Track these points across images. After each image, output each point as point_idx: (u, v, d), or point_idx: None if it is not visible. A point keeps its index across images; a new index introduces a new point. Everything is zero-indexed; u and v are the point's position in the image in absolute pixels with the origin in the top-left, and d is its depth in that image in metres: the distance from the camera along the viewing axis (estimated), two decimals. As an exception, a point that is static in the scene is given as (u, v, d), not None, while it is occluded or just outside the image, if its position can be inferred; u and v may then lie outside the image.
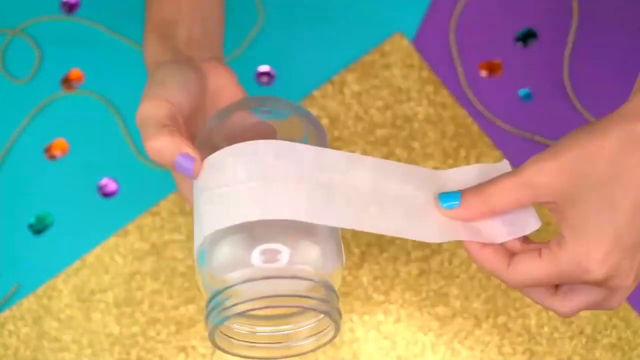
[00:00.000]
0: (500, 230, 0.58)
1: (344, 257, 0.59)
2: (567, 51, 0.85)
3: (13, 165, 0.84)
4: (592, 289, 0.58)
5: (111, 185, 0.84)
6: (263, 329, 0.60)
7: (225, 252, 0.56)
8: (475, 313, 0.80)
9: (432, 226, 0.58)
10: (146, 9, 0.68)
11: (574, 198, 0.54)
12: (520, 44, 0.86)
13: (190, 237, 0.82)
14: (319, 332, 0.59)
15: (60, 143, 0.85)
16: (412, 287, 0.81)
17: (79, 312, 0.81)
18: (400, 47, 0.86)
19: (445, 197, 0.58)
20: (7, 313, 0.81)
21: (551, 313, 0.80)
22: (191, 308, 0.80)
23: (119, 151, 0.84)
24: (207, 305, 0.57)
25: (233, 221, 0.56)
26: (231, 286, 0.56)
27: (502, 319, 0.80)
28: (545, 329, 0.80)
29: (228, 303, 0.55)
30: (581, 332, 0.79)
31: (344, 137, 0.83)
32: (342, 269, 0.59)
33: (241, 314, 0.59)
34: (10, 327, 0.81)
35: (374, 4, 0.87)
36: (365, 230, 0.57)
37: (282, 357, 0.60)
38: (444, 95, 0.84)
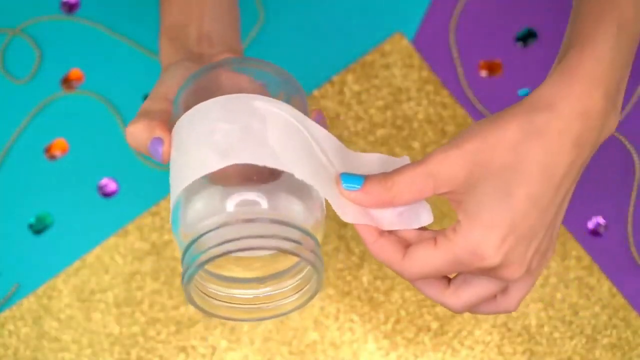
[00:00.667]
0: (392, 220, 0.57)
1: (324, 210, 0.57)
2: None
3: (13, 165, 0.84)
4: (486, 281, 0.57)
5: (111, 185, 0.84)
6: (242, 292, 0.58)
7: (198, 205, 0.54)
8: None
9: (339, 200, 0.57)
10: (159, 16, 0.68)
11: (473, 186, 0.54)
12: (520, 44, 0.86)
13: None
14: (300, 290, 0.57)
15: (60, 143, 0.85)
16: (412, 287, 0.81)
17: (79, 312, 0.81)
18: (400, 47, 0.86)
19: (348, 178, 0.57)
20: (7, 313, 0.81)
21: (551, 313, 0.80)
22: (191, 308, 0.80)
23: (119, 151, 0.84)
24: (182, 263, 0.54)
25: (195, 174, 0.54)
26: (206, 232, 0.53)
27: (502, 319, 0.80)
28: (545, 328, 0.80)
29: (203, 247, 0.52)
30: (581, 332, 0.79)
31: (344, 137, 0.83)
32: (323, 225, 0.57)
33: (218, 265, 0.57)
34: (10, 327, 0.81)
35: (374, 4, 0.87)
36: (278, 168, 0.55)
37: (263, 318, 0.58)
38: (444, 95, 0.84)
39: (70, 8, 0.88)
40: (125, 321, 0.80)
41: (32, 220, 0.83)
